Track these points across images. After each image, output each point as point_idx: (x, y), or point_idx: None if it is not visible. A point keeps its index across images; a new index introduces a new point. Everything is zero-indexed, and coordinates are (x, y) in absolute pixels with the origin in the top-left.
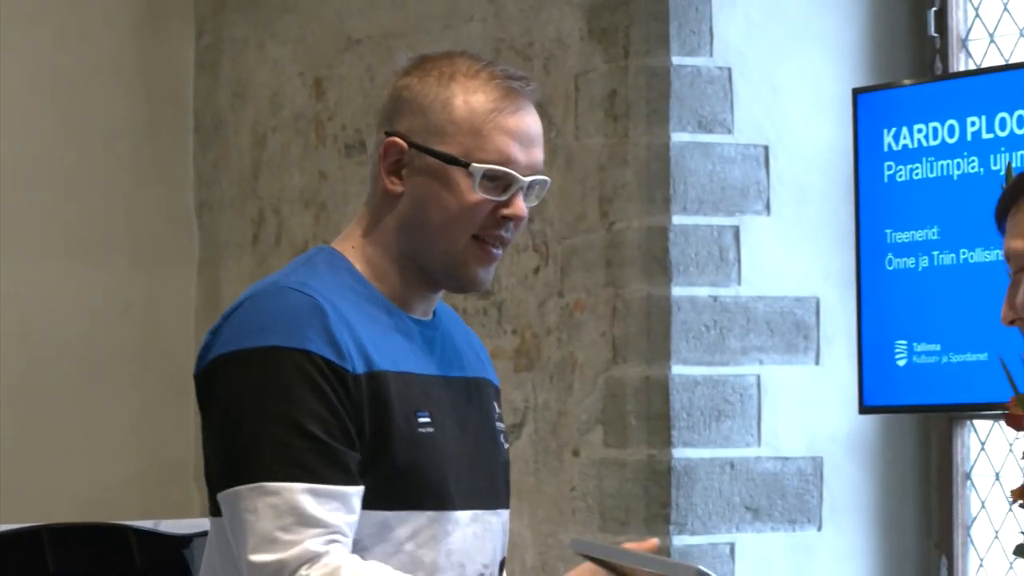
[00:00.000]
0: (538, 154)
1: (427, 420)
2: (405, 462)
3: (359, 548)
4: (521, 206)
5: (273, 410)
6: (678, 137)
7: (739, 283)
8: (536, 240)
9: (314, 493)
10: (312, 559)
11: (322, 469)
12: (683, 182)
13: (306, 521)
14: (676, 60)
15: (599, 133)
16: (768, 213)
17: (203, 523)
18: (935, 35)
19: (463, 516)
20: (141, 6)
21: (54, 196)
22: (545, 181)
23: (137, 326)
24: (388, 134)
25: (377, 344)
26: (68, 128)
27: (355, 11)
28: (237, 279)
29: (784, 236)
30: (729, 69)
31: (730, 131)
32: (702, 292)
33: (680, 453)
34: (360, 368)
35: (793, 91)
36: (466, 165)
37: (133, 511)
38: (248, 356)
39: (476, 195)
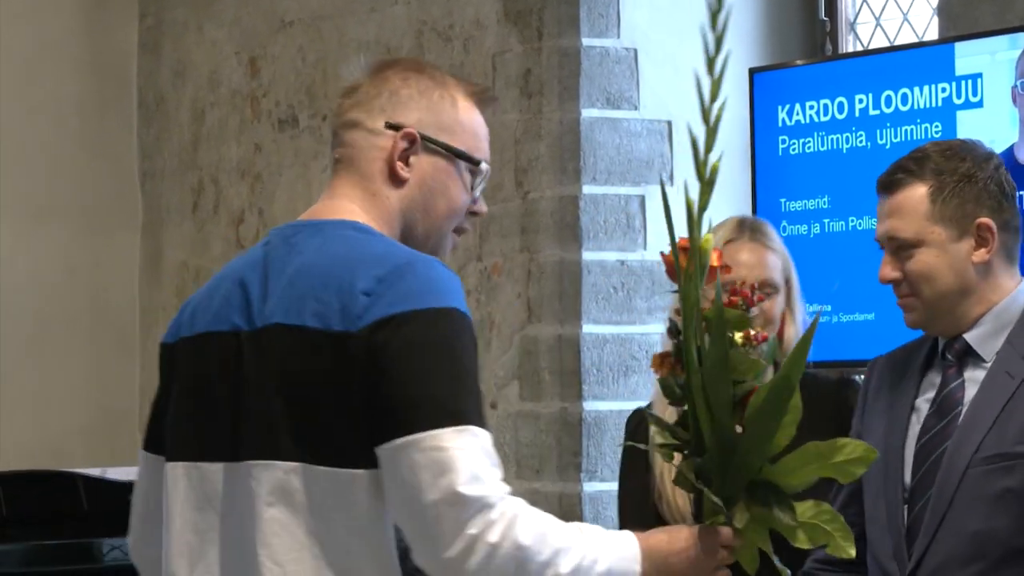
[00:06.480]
0: None
1: None
2: None
3: None
4: (485, 205)
5: (461, 366)
6: (588, 113)
7: (645, 248)
8: None
9: (492, 442)
10: (505, 495)
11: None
12: (592, 155)
13: (497, 464)
14: (586, 41)
15: (515, 109)
16: (671, 183)
17: None
18: (825, 19)
19: None
20: None
21: (9, 168)
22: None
23: (86, 287)
24: (392, 126)
25: None
26: (22, 105)
27: None
28: (178, 243)
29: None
30: (635, 50)
31: (636, 107)
32: (611, 256)
33: (590, 406)
34: None
35: (694, 70)
36: (477, 163)
37: (82, 459)
38: (442, 314)
39: (470, 190)
